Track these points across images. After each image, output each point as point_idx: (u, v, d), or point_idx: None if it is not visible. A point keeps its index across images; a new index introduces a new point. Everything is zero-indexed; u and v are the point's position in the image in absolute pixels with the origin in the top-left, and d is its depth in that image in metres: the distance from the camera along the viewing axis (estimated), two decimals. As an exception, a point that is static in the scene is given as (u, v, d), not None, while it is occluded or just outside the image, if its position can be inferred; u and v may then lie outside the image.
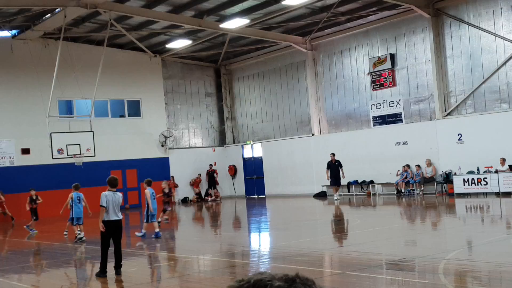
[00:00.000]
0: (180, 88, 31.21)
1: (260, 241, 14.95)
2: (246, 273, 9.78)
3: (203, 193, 30.99)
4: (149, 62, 29.72)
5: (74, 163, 24.07)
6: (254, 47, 29.62)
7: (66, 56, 24.11)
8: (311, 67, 27.90)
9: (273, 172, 29.66)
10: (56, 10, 22.60)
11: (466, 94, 22.54)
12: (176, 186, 29.99)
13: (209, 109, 32.22)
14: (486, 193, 20.86)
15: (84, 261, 12.83)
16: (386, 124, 25.06)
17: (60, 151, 23.54)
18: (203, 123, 31.94)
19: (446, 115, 23.05)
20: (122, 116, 29.31)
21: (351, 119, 26.66)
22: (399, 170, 24.18)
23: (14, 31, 25.70)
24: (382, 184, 25.19)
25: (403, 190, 24.02)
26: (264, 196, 30.09)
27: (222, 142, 32.40)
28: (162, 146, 29.81)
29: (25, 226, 18.78)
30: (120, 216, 9.95)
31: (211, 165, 31.07)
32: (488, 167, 21.09)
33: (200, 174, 30.72)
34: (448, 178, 22.40)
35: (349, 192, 25.75)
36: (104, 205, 9.75)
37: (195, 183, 30.70)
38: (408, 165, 23.95)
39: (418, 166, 23.58)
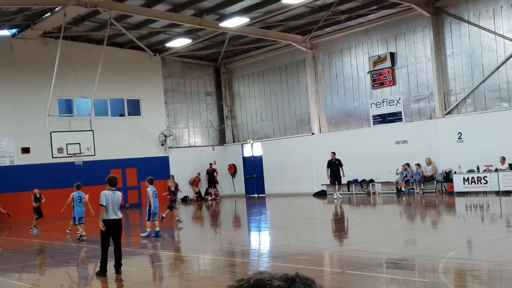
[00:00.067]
0: (180, 87, 31.19)
1: (260, 240, 14.95)
2: (246, 272, 9.79)
3: (202, 192, 30.99)
4: (149, 61, 29.72)
5: (74, 162, 24.07)
6: (254, 46, 29.61)
7: (66, 55, 24.10)
8: (311, 66, 27.89)
9: (273, 171, 29.66)
10: (56, 9, 22.59)
11: (466, 92, 22.54)
12: (176, 185, 29.96)
13: (209, 108, 32.21)
14: (486, 191, 20.87)
15: (84, 260, 12.82)
16: (386, 123, 25.05)
17: (60, 150, 23.54)
18: (203, 122, 31.94)
19: (446, 114, 23.04)
20: (122, 115, 29.31)
21: (351, 118, 26.65)
22: (398, 169, 24.17)
23: (14, 30, 25.69)
24: (382, 183, 25.19)
25: (403, 189, 24.02)
26: (264, 195, 30.09)
27: (222, 141, 32.40)
28: (162, 145, 29.81)
29: (31, 228, 18.68)
30: (119, 215, 9.95)
31: (211, 164, 31.08)
32: (488, 165, 21.09)
33: (199, 173, 30.71)
34: (448, 177, 22.40)
35: (349, 191, 25.74)
36: (104, 204, 9.74)
37: (194, 182, 30.69)
38: (408, 164, 23.95)
39: (418, 165, 23.58)
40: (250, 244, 13.97)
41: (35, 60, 25.53)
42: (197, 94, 31.79)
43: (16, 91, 25.79)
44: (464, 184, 21.36)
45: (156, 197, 15.13)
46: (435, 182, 23.25)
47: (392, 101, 24.84)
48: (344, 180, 24.85)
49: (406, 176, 24.01)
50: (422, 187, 23.59)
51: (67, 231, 16.49)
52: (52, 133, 23.40)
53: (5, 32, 25.54)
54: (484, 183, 20.80)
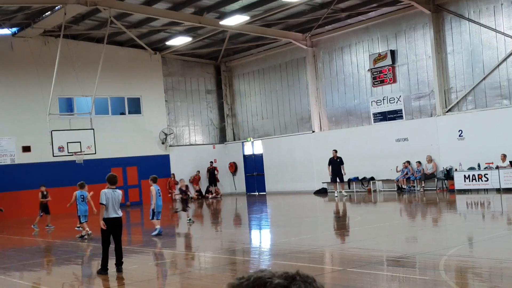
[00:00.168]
0: (180, 85, 31.19)
1: (261, 238, 14.96)
2: (247, 270, 9.80)
3: (203, 190, 31.00)
4: (149, 59, 29.71)
5: (75, 160, 24.08)
6: (254, 44, 29.59)
7: (66, 53, 24.09)
8: (311, 63, 27.87)
9: (274, 169, 29.66)
10: (56, 7, 22.59)
11: (466, 90, 22.52)
12: (176, 183, 29.99)
13: (209, 106, 32.20)
14: (487, 189, 20.86)
15: (85, 258, 12.83)
16: (386, 120, 25.04)
17: (60, 148, 23.54)
18: (203, 120, 31.93)
19: (447, 112, 23.03)
20: (123, 113, 29.31)
21: (352, 115, 26.64)
22: (398, 166, 24.16)
23: (14, 29, 25.69)
24: (382, 180, 25.19)
25: (403, 187, 24.02)
26: (264, 193, 30.09)
27: (222, 139, 32.40)
28: (163, 143, 29.81)
29: (45, 227, 18.69)
30: (120, 213, 9.95)
31: (211, 162, 31.08)
32: (488, 163, 21.08)
33: (199, 171, 30.68)
34: (448, 174, 22.40)
35: (349, 188, 25.73)
36: (104, 203, 9.75)
37: (194, 180, 30.69)
38: (408, 162, 23.94)
39: (419, 162, 23.57)
40: (251, 242, 13.97)
41: (35, 59, 25.52)
42: (198, 92, 31.78)
43: (16, 90, 25.79)
44: (465, 181, 21.35)
45: (160, 196, 15.10)
46: (435, 180, 23.24)
47: (393, 99, 24.83)
48: (344, 178, 24.85)
49: (406, 173, 24.01)
50: (422, 185, 23.58)
51: (76, 228, 16.47)
52: (52, 132, 23.41)
53: (6, 31, 25.54)
54: (485, 181, 20.79)
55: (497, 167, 20.68)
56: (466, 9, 22.36)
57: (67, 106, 27.93)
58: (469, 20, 22.23)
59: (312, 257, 10.43)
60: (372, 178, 25.43)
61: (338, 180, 24.26)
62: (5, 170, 25.26)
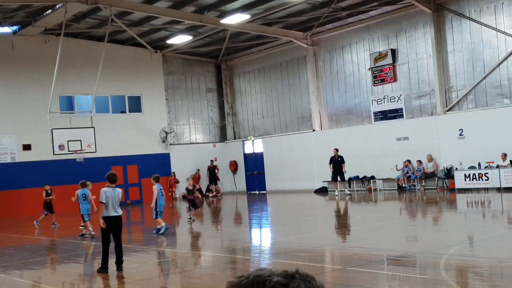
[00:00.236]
0: (180, 83, 31.18)
1: (261, 237, 14.96)
2: (247, 269, 9.79)
3: (203, 189, 30.99)
4: (150, 58, 29.70)
5: (75, 159, 24.09)
6: (254, 43, 29.57)
7: (67, 52, 24.09)
8: (312, 62, 27.86)
9: (274, 168, 29.66)
10: (57, 6, 22.57)
11: (467, 89, 22.51)
12: (177, 182, 30.01)
13: (210, 105, 32.20)
14: (487, 188, 20.85)
15: (86, 257, 12.84)
16: (387, 119, 25.03)
17: (61, 147, 23.55)
18: (204, 119, 31.93)
19: (447, 111, 23.02)
20: (123, 112, 29.31)
21: (352, 114, 26.63)
22: (397, 165, 24.15)
23: (15, 27, 25.67)
24: (383, 179, 25.19)
25: (404, 186, 24.01)
26: (265, 191, 30.10)
27: (223, 137, 32.40)
28: (163, 142, 29.81)
29: (52, 225, 18.69)
30: (119, 212, 9.94)
31: (212, 161, 31.08)
32: (489, 162, 21.07)
33: (198, 170, 30.66)
34: (449, 173, 22.39)
35: (350, 187, 25.72)
36: (104, 201, 9.74)
37: (194, 179, 30.66)
38: (409, 161, 23.93)
39: (419, 161, 23.57)
40: (251, 241, 13.98)
41: (36, 57, 25.52)
42: (198, 91, 31.78)
43: (17, 88, 25.79)
44: (465, 180, 21.35)
45: (162, 195, 15.07)
46: (436, 179, 23.24)
47: (393, 98, 24.82)
48: (345, 177, 24.83)
49: (407, 172, 24.00)
50: (423, 184, 23.58)
51: (80, 227, 16.44)
52: (53, 130, 23.42)
53: (6, 29, 25.53)
54: (485, 180, 20.79)
55: (498, 166, 20.68)
56: (466, 8, 22.35)
57: (68, 104, 27.94)
58: (470, 19, 22.21)
59: (312, 256, 10.43)
60: (373, 177, 25.43)
61: (339, 178, 24.25)
62: (6, 169, 25.26)
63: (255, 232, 16.05)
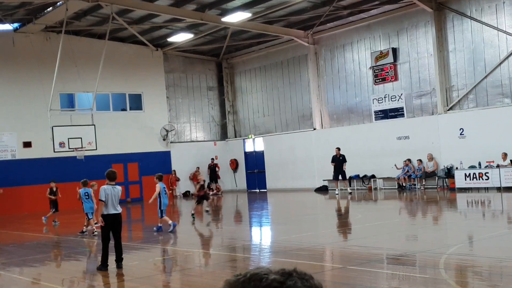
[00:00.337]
0: (181, 81, 31.18)
1: (261, 235, 14.96)
2: (247, 267, 9.80)
3: (195, 189, 30.95)
4: (151, 55, 29.69)
5: (76, 156, 24.10)
6: (256, 41, 29.56)
7: (68, 49, 24.08)
8: (313, 61, 27.85)
9: (275, 166, 29.67)
10: (58, 3, 22.56)
11: (468, 88, 22.50)
12: (177, 179, 30.02)
13: (211, 103, 32.20)
14: (487, 187, 20.85)
15: (86, 254, 12.84)
16: (388, 118, 25.02)
17: (61, 144, 23.56)
18: (204, 117, 31.93)
19: (448, 110, 23.01)
20: (124, 109, 29.31)
21: (353, 113, 26.62)
22: (396, 165, 24.14)
23: (15, 25, 25.67)
24: (383, 178, 25.19)
25: (404, 185, 24.02)
26: (265, 190, 30.11)
27: (223, 136, 32.40)
28: (164, 140, 29.81)
29: (53, 222, 18.76)
30: (119, 209, 9.93)
31: (212, 159, 31.08)
32: (489, 161, 21.07)
33: (198, 167, 30.63)
34: (449, 172, 22.39)
35: (350, 186, 25.72)
36: (103, 199, 9.73)
37: (194, 177, 30.67)
38: (409, 160, 23.93)
39: (420, 160, 23.57)
40: (251, 239, 13.98)
41: (37, 55, 25.52)
42: (199, 89, 31.77)
43: (18, 85, 25.80)
44: (465, 180, 21.34)
45: (165, 193, 15.07)
46: (436, 178, 23.24)
47: (394, 97, 24.81)
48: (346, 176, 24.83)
49: (407, 171, 24.01)
50: (423, 183, 23.58)
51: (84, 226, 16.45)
52: (53, 127, 23.42)
53: (7, 27, 25.52)
54: (486, 179, 20.78)
55: (498, 166, 20.67)
56: (468, 7, 22.32)
57: (68, 102, 27.94)
58: (471, 18, 22.19)
59: (312, 254, 10.44)
60: (373, 176, 25.43)
61: (340, 177, 24.24)
62: (6, 166, 25.28)
63: (255, 230, 16.06)
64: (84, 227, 15.55)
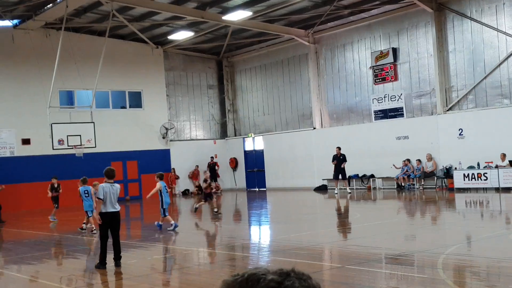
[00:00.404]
0: (181, 80, 31.15)
1: (260, 234, 14.97)
2: (246, 266, 9.80)
3: (203, 186, 30.94)
4: (151, 53, 29.67)
5: (75, 154, 24.08)
6: (256, 40, 29.55)
7: (68, 46, 24.06)
8: (313, 60, 27.84)
9: (274, 165, 29.67)
10: (58, 0, 22.53)
11: (467, 89, 22.50)
12: (177, 178, 30.01)
13: (211, 102, 32.18)
14: (486, 188, 20.87)
15: (84, 252, 12.84)
16: (387, 118, 25.03)
17: (60, 141, 23.54)
18: (204, 115, 31.92)
19: (448, 110, 23.02)
20: (123, 107, 29.29)
21: (353, 113, 26.63)
22: (394, 164, 24.13)
23: (15, 21, 25.64)
24: (382, 178, 25.20)
25: (403, 185, 24.03)
26: (264, 189, 30.11)
27: (223, 134, 32.39)
28: (163, 138, 29.80)
29: (49, 217, 18.78)
30: (117, 207, 9.91)
31: (212, 157, 31.07)
32: (488, 162, 21.08)
33: (197, 166, 30.64)
34: (448, 172, 22.40)
35: (349, 186, 25.73)
36: (101, 197, 9.71)
37: (193, 176, 30.68)
38: (408, 160, 23.94)
39: (419, 160, 23.58)
40: (250, 238, 13.99)
41: (36, 51, 25.49)
42: (199, 87, 31.75)
43: (17, 82, 25.77)
44: (464, 180, 21.35)
45: (167, 192, 15.06)
46: (435, 178, 23.25)
47: (394, 97, 24.81)
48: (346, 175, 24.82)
49: (407, 171, 24.01)
50: (422, 183, 23.59)
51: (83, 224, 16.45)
52: (52, 125, 23.40)
53: (7, 23, 25.49)
54: (484, 180, 20.80)
55: (497, 166, 20.68)
56: (468, 8, 22.32)
57: (68, 99, 27.91)
58: (471, 19, 22.19)
59: (311, 254, 10.44)
60: (372, 176, 25.44)
61: (340, 177, 24.23)
62: (5, 163, 25.26)
63: (254, 229, 16.06)
64: (84, 224, 15.55)
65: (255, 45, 30.44)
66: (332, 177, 24.82)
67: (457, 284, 7.58)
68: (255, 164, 30.86)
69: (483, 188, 20.96)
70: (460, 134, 22.31)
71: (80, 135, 23.94)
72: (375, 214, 17.41)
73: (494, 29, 21.53)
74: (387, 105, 25.07)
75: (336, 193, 23.80)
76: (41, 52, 25.56)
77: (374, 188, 25.25)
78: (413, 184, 23.92)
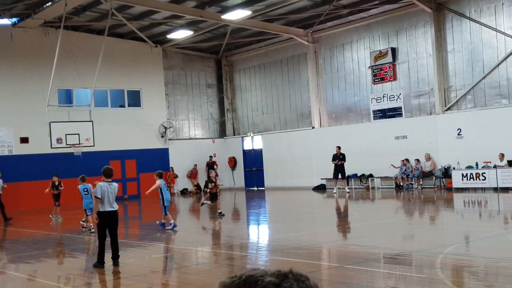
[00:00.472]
0: (180, 79, 31.13)
1: (259, 234, 14.97)
2: (244, 265, 9.80)
3: (201, 185, 30.95)
4: (150, 52, 29.64)
5: (73, 152, 24.05)
6: (255, 39, 29.54)
7: (66, 45, 24.02)
8: (312, 59, 27.84)
9: (273, 165, 29.67)
10: (57, -2, 22.50)
11: (466, 89, 22.52)
12: (176, 176, 29.99)
13: (210, 101, 32.17)
14: (484, 188, 20.89)
15: (82, 251, 12.83)
16: (386, 118, 25.04)
17: (59, 140, 23.51)
18: (203, 115, 31.90)
19: (446, 110, 23.03)
20: (122, 106, 29.26)
21: (352, 112, 26.63)
22: (392, 164, 24.14)
23: (14, 19, 25.59)
24: (381, 177, 25.21)
25: (402, 184, 24.04)
26: (263, 188, 30.11)
27: (222, 133, 32.38)
28: (162, 137, 29.78)
29: (51, 215, 18.78)
30: (115, 206, 9.89)
31: (211, 156, 31.06)
32: (486, 162, 21.10)
33: (196, 165, 30.62)
34: (446, 172, 22.42)
35: (348, 185, 25.72)
36: (99, 196, 9.69)
37: (192, 175, 30.66)
38: (407, 159, 23.95)
39: (417, 160, 23.59)
40: (248, 238, 13.98)
41: (35, 50, 25.45)
42: (198, 86, 31.73)
43: (15, 81, 25.73)
44: (462, 180, 21.37)
45: (167, 189, 15.04)
46: (433, 178, 23.26)
47: (393, 96, 24.82)
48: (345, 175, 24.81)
49: (405, 171, 24.02)
50: (421, 183, 23.60)
51: (81, 222, 16.44)
52: (51, 123, 23.36)
53: (6, 21, 25.44)
54: (483, 180, 20.81)
55: (495, 166, 20.70)
56: (467, 8, 22.33)
57: (66, 97, 27.88)
58: (470, 19, 22.20)
59: (309, 253, 10.44)
60: (371, 175, 25.45)
61: (339, 176, 24.22)
62: (3, 161, 25.18)
63: (252, 228, 16.06)
64: (83, 222, 15.54)
65: (254, 45, 30.43)
66: (332, 177, 24.81)
67: (455, 284, 7.58)
68: (253, 163, 30.85)
69: (482, 188, 20.97)
70: (458, 134, 22.32)
71: (78, 134, 23.90)
72: (374, 214, 17.42)
73: (493, 29, 21.54)
74: (385, 104, 25.08)
75: (335, 193, 23.80)
76: (39, 50, 25.52)
77: (373, 188, 25.26)
78: (412, 184, 23.93)
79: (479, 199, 19.69)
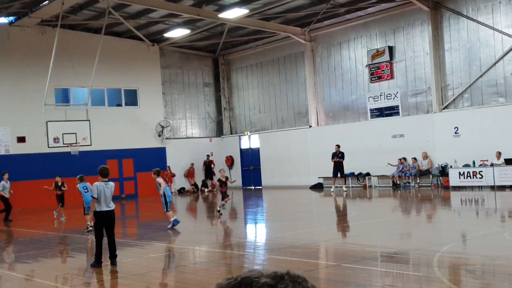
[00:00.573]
0: (177, 77, 31.10)
1: (256, 233, 14.96)
2: (241, 264, 9.81)
3: (199, 184, 30.95)
4: (147, 51, 29.60)
5: (70, 152, 24.01)
6: (252, 38, 29.52)
7: (63, 43, 23.98)
8: (310, 58, 27.83)
9: (270, 163, 29.67)
10: (54, -3, 22.45)
11: (463, 87, 22.55)
12: (173, 175, 29.97)
13: (207, 99, 32.14)
14: (481, 186, 20.93)
15: (80, 251, 12.81)
16: (383, 116, 25.06)
17: (56, 139, 23.48)
18: (200, 113, 31.88)
19: (443, 108, 23.06)
20: (119, 105, 29.21)
21: (349, 111, 26.65)
22: (389, 163, 24.17)
23: (11, 18, 25.52)
24: (378, 176, 25.23)
25: (399, 183, 24.07)
26: (260, 187, 30.11)
27: (219, 132, 32.37)
28: (159, 136, 29.75)
29: (54, 212, 18.77)
30: (112, 206, 9.87)
31: (208, 155, 31.05)
32: (483, 160, 21.14)
33: (192, 164, 30.59)
34: (444, 171, 22.46)
35: (345, 184, 25.75)
36: (95, 196, 9.67)
37: (189, 174, 30.64)
38: (404, 158, 23.98)
39: (414, 158, 23.62)
40: (246, 237, 13.98)
41: (32, 49, 25.39)
42: (195, 85, 31.70)
43: (12, 80, 25.66)
44: (459, 178, 21.41)
45: (167, 186, 15.00)
46: (431, 176, 23.30)
47: (390, 95, 24.84)
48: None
49: (402, 169, 24.05)
50: (418, 181, 23.64)
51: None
52: (48, 123, 23.32)
53: (2, 20, 25.38)
54: (480, 178, 20.86)
55: (492, 165, 20.74)
56: (464, 7, 22.35)
57: (63, 96, 27.81)
58: (467, 17, 22.22)
59: (307, 252, 10.45)
60: (368, 174, 25.47)
61: (338, 175, 24.24)
62: (0, 161, 25.14)
63: (250, 227, 16.06)
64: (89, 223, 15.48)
65: (251, 43, 30.41)
66: (331, 175, 24.82)
67: (453, 282, 7.60)
68: (251, 162, 30.85)
69: (479, 186, 21.02)
70: (455, 133, 22.35)
71: (75, 133, 23.88)
72: (371, 212, 17.44)
73: (490, 28, 21.57)
74: (383, 103, 25.09)
75: (332, 191, 23.82)
76: (36, 49, 25.47)
77: (370, 186, 25.29)
78: (409, 182, 23.97)
79: (476, 197, 19.73)
